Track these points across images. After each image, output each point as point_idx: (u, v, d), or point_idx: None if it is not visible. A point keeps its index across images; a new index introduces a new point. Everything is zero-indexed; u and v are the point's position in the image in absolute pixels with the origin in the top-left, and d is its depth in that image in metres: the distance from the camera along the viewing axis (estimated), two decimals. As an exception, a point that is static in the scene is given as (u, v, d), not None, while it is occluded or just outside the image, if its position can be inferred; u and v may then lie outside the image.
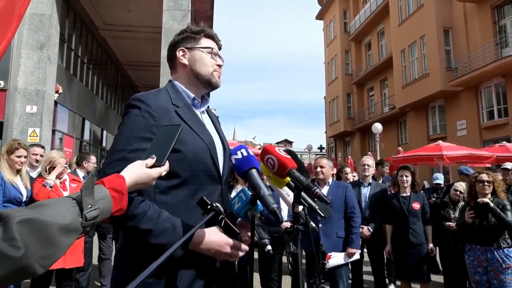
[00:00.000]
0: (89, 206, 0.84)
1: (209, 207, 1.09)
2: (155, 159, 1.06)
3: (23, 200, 3.44)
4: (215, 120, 1.55)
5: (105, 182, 0.94)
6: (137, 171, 1.02)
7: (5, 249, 0.66)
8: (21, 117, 8.53)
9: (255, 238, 1.16)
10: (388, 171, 7.02)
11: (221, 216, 1.11)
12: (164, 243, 1.11)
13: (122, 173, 1.01)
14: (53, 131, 10.05)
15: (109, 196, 0.92)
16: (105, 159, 1.23)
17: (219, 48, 1.50)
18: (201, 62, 1.43)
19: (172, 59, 1.49)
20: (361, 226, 4.21)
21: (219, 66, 1.47)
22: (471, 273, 3.56)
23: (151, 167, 1.05)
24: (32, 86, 8.65)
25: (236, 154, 1.20)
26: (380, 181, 5.42)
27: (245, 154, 1.19)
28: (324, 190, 3.64)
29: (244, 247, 1.21)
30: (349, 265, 3.81)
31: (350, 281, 4.34)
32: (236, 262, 4.13)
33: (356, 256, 3.58)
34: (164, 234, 1.13)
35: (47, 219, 0.74)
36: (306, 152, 31.11)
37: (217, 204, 1.11)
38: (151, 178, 1.05)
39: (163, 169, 1.07)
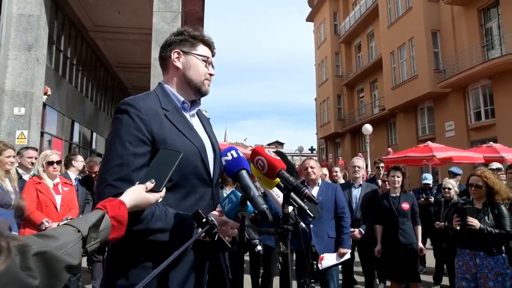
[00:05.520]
0: (92, 240, 0.90)
1: (204, 220, 1.12)
2: (154, 184, 1.10)
3: (12, 203, 3.40)
4: (205, 123, 1.55)
5: (109, 209, 0.98)
6: (138, 196, 1.08)
7: (25, 278, 0.71)
8: (9, 119, 8.38)
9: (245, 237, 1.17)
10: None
11: (215, 230, 1.13)
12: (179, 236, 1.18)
13: (124, 197, 1.05)
14: (42, 133, 9.92)
15: (110, 225, 0.96)
16: (103, 165, 1.22)
17: (213, 56, 1.50)
18: (194, 69, 1.43)
19: (165, 59, 1.46)
20: (353, 229, 4.24)
21: (211, 75, 1.47)
22: (458, 278, 3.30)
23: (149, 190, 1.10)
24: (20, 88, 8.51)
25: (226, 155, 1.21)
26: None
27: (235, 155, 1.20)
28: (314, 191, 3.66)
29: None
30: (339, 265, 3.83)
31: (340, 281, 4.37)
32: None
33: (347, 256, 3.61)
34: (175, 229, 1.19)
35: (58, 254, 0.80)
36: (297, 153, 31.17)
37: (212, 218, 1.14)
38: (149, 203, 1.10)
39: (159, 195, 1.12)
